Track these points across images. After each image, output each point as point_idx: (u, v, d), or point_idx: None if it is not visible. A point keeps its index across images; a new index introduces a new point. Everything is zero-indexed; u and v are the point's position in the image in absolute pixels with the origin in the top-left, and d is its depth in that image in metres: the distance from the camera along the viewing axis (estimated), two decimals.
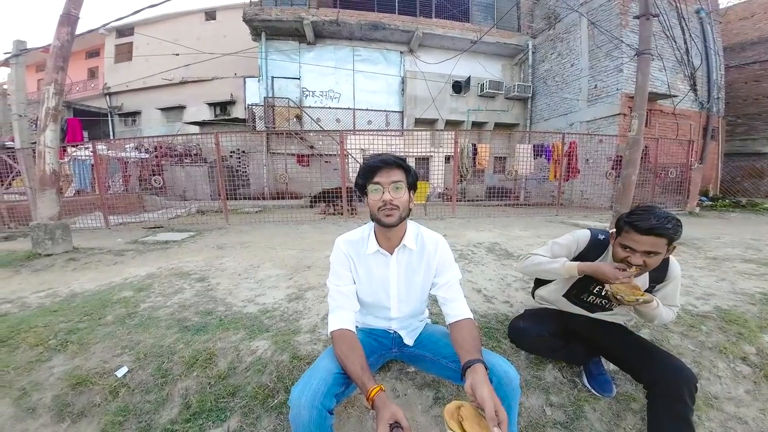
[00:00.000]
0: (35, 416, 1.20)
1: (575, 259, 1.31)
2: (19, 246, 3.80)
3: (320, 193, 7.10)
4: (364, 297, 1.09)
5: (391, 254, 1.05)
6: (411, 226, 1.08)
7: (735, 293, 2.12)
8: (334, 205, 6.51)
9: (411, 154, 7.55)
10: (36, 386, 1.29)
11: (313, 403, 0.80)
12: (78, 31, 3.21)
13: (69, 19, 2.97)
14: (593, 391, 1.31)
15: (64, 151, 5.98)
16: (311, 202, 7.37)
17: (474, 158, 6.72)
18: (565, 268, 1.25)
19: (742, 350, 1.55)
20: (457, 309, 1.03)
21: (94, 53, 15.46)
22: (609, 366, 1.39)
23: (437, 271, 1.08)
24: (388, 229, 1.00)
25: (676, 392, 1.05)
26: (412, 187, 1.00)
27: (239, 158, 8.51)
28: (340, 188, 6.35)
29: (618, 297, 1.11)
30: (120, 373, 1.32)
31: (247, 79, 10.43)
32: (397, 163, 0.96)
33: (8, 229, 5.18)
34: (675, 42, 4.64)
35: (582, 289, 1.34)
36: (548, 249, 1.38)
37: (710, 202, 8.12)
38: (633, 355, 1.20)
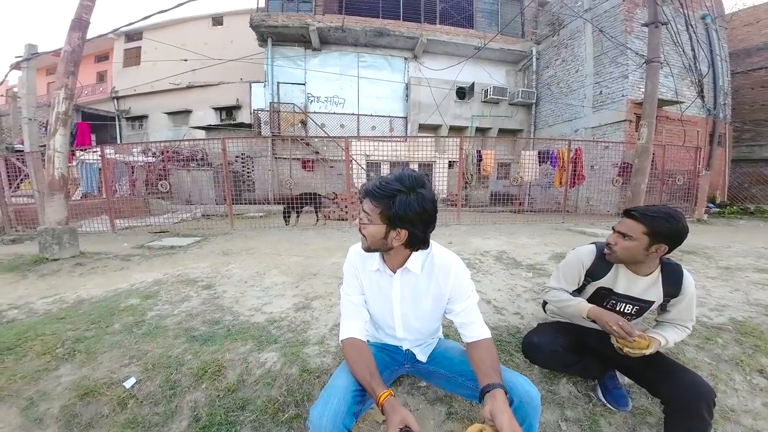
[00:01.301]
0: (42, 427, 1.19)
1: (586, 275, 1.32)
2: (26, 250, 3.83)
3: (293, 198, 6.02)
4: (371, 311, 1.08)
5: (394, 274, 1.01)
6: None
7: (750, 304, 2.09)
8: (297, 212, 6.02)
9: (414, 159, 7.57)
10: (43, 396, 1.28)
11: (335, 424, 0.79)
12: (88, 36, 3.26)
13: (80, 23, 3.02)
14: (609, 405, 1.29)
15: (73, 154, 6.05)
16: (286, 212, 6.00)
17: (478, 164, 6.71)
18: (578, 310, 1.28)
19: (759, 363, 1.52)
20: (475, 330, 1.00)
21: (103, 57, 15.73)
22: (624, 379, 1.36)
23: (452, 299, 1.02)
24: (386, 251, 0.96)
25: (694, 408, 1.03)
26: (393, 223, 0.86)
27: (244, 163, 8.57)
28: (314, 193, 6.23)
29: (624, 351, 1.13)
30: (128, 383, 1.31)
31: (252, 85, 10.55)
32: (370, 194, 0.88)
33: (15, 232, 5.22)
34: (682, 48, 4.64)
35: (595, 302, 1.32)
36: (558, 277, 1.39)
37: (718, 209, 8.03)
38: (649, 370, 1.18)
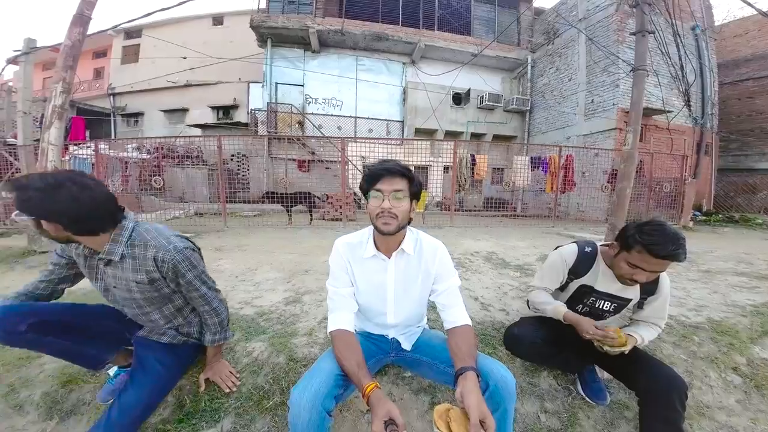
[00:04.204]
0: (22, 413, 1.18)
1: (569, 273, 1.35)
2: (14, 243, 3.77)
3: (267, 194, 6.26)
4: (361, 300, 1.09)
5: (389, 258, 1.06)
6: (411, 231, 1.09)
7: (727, 305, 2.15)
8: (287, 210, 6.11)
9: (410, 163, 7.62)
10: (25, 383, 1.28)
11: (314, 404, 0.80)
12: (88, 32, 3.27)
13: (82, 19, 3.03)
14: (587, 398, 1.33)
15: (66, 149, 5.99)
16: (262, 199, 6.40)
17: (472, 169, 6.79)
18: (555, 313, 1.30)
19: (734, 360, 1.58)
20: (455, 315, 1.04)
21: (101, 54, 15.63)
22: (603, 374, 1.40)
23: (436, 278, 1.08)
24: (386, 236, 1.02)
25: (667, 400, 1.07)
26: (414, 196, 1.00)
27: (239, 162, 8.55)
28: (307, 193, 6.23)
29: (604, 349, 1.17)
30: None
31: (251, 85, 10.56)
32: (401, 171, 0.96)
33: (4, 226, 5.14)
34: (670, 58, 4.79)
35: (576, 300, 1.36)
36: (542, 276, 1.42)
37: (703, 217, 8.21)
38: (626, 364, 1.22)
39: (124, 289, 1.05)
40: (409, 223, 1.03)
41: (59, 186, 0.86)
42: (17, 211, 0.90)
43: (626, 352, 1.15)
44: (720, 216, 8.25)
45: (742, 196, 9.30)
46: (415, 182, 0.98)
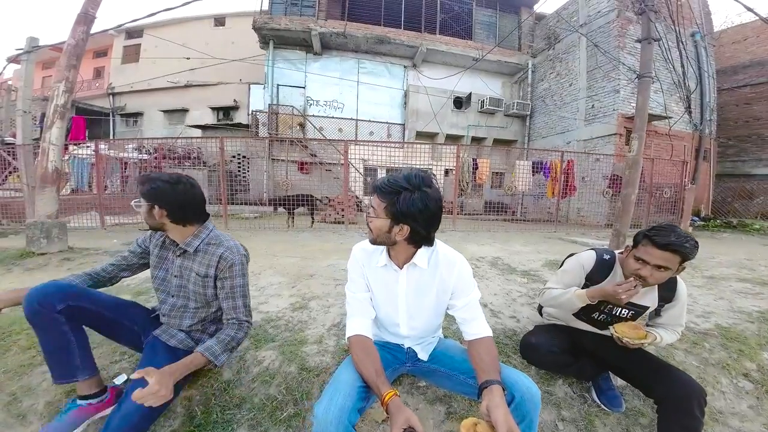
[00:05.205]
0: (25, 423, 1.15)
1: (586, 279, 1.33)
2: (10, 243, 3.71)
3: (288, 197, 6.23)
4: (375, 307, 1.08)
5: (401, 269, 1.04)
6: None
7: (733, 311, 2.17)
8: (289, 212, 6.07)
9: (411, 166, 7.63)
10: (27, 391, 1.24)
11: (340, 420, 0.79)
12: (91, 31, 3.24)
13: (86, 18, 3.01)
14: (603, 406, 1.32)
15: (66, 148, 5.93)
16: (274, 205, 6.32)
17: (474, 173, 6.81)
18: (577, 297, 1.26)
19: (744, 367, 1.58)
20: (476, 327, 1.01)
21: (102, 53, 15.56)
22: (617, 381, 1.39)
23: (455, 294, 1.04)
24: (392, 246, 1.00)
25: (686, 406, 1.06)
26: (397, 218, 0.89)
27: (239, 163, 8.50)
28: (309, 196, 6.23)
29: (623, 341, 1.16)
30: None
31: (252, 86, 10.55)
32: (378, 190, 0.92)
33: (0, 226, 5.07)
34: (672, 65, 4.84)
35: (591, 307, 1.35)
36: (558, 280, 1.40)
37: (702, 222, 8.28)
38: (642, 371, 1.21)
39: (185, 278, 1.18)
40: (392, 244, 0.97)
41: (178, 181, 1.11)
42: (137, 199, 1.10)
43: (645, 345, 1.16)
44: (718, 221, 8.33)
45: (739, 201, 9.39)
46: (397, 203, 0.87)
